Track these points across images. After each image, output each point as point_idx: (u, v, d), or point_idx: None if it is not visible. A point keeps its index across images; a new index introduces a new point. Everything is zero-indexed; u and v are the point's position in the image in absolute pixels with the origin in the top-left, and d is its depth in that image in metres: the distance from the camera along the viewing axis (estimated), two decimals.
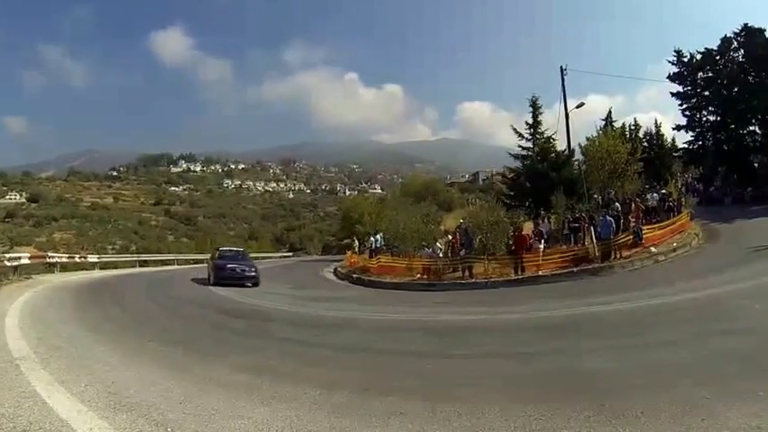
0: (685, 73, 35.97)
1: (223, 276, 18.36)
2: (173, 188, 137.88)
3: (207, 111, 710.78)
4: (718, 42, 34.34)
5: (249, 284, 18.27)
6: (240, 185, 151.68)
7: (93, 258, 29.73)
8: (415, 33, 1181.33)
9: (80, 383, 4.89)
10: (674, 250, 17.67)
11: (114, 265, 30.71)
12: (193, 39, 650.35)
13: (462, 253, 19.80)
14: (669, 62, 36.47)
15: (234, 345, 7.65)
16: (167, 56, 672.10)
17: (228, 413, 4.14)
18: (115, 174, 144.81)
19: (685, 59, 35.88)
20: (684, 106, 36.10)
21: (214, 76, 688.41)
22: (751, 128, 33.20)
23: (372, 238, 27.79)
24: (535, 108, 29.92)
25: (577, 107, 28.90)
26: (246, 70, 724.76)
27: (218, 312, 11.74)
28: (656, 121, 38.85)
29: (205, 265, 23.33)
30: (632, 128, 36.30)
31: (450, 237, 22.26)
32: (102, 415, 4.00)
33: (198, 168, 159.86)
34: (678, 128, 36.93)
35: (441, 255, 21.21)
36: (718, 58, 34.65)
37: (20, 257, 20.09)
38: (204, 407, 4.29)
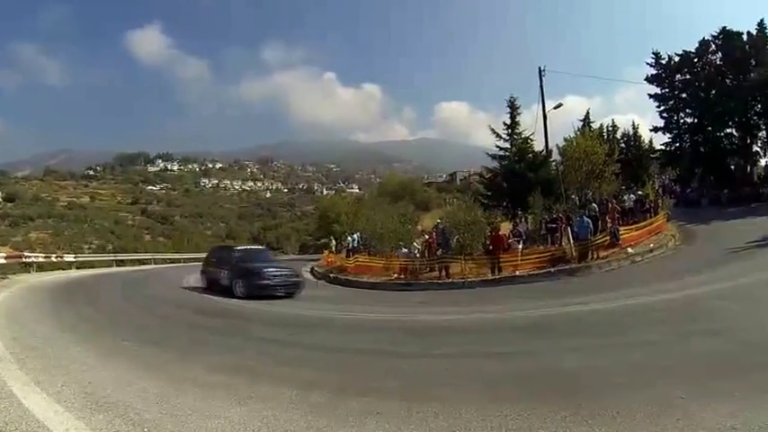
0: (663, 75, 36.19)
1: (261, 285, 14.12)
2: (149, 187, 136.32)
3: (185, 110, 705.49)
4: (696, 45, 34.59)
5: (291, 294, 14.72)
6: (217, 185, 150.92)
7: (69, 258, 29.43)
8: (394, 33, 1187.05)
9: (56, 384, 4.88)
10: (651, 251, 17.64)
11: (91, 265, 30.22)
12: (171, 38, 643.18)
13: (439, 253, 19.71)
14: (647, 64, 36.72)
15: (210, 344, 7.63)
16: (145, 55, 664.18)
17: (205, 413, 4.15)
18: (92, 173, 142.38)
19: (663, 62, 36.11)
20: (662, 108, 36.30)
21: (192, 75, 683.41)
22: (728, 130, 33.43)
23: (349, 238, 27.59)
24: (513, 108, 29.77)
25: (555, 108, 29.02)
26: (225, 70, 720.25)
27: (194, 311, 11.58)
28: (633, 122, 39.05)
29: (184, 265, 22.37)
30: (610, 129, 36.46)
31: (427, 236, 22.17)
32: (78, 415, 4.01)
33: (175, 167, 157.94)
34: (656, 129, 37.11)
35: (418, 254, 21.18)
36: (695, 60, 34.92)
37: None
38: (181, 407, 4.29)
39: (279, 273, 14.94)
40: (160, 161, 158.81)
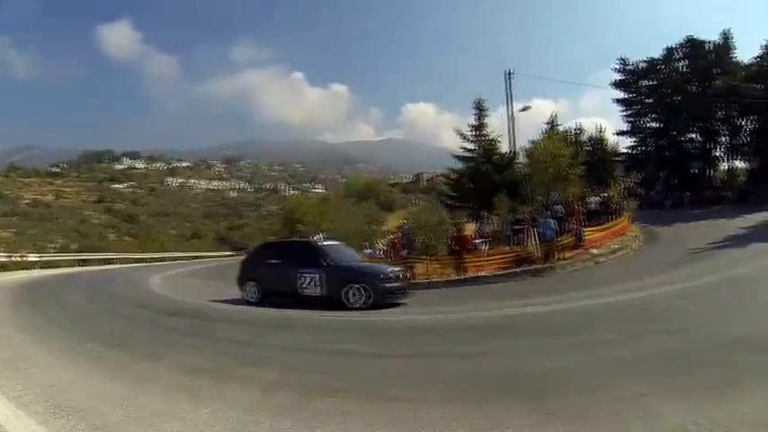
0: (629, 81, 36.74)
1: (389, 290, 11.42)
2: (115, 185, 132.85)
3: (152, 107, 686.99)
4: (663, 52, 35.17)
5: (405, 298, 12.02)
6: (184, 183, 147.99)
7: (33, 257, 28.31)
8: (363, 34, 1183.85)
9: (16, 387, 4.81)
10: (615, 252, 17.73)
11: (55, 265, 29.16)
12: (142, 33, 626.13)
13: (404, 253, 19.44)
14: (613, 70, 37.21)
15: (174, 345, 7.49)
16: (114, 50, 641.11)
17: (170, 415, 4.07)
18: (56, 170, 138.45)
19: (630, 68, 36.63)
20: (627, 113, 36.90)
21: (161, 71, 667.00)
22: (691, 135, 34.18)
23: (314, 238, 26.95)
24: (480, 110, 29.85)
25: (522, 110, 29.59)
26: (194, 67, 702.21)
27: (158, 312, 11.28)
28: (599, 126, 39.41)
29: (149, 265, 21.44)
30: (576, 132, 36.76)
31: (392, 237, 21.85)
32: (40, 420, 3.93)
33: (141, 165, 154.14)
34: (621, 133, 37.63)
35: (382, 255, 20.82)
36: (661, 67, 35.52)
37: None
38: (145, 409, 4.21)
39: (398, 274, 12.11)
40: (126, 159, 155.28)
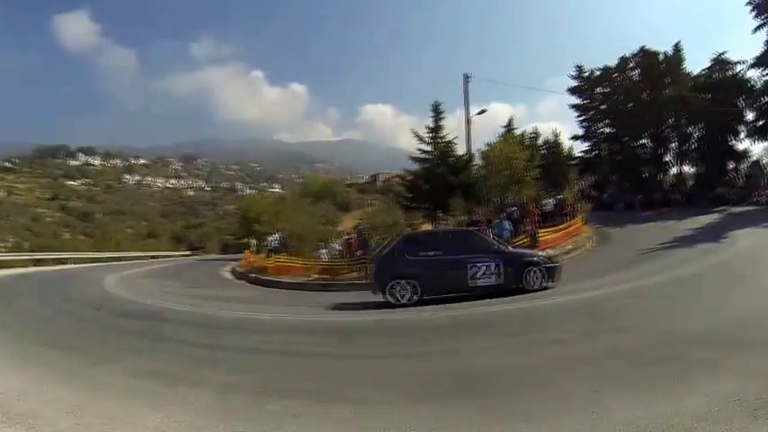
0: (584, 87, 37.44)
1: (557, 269, 11.52)
2: (70, 182, 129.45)
3: (109, 102, 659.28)
4: (617, 61, 36.00)
5: None
6: (141, 181, 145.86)
7: None
8: (323, 33, 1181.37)
9: None
10: (569, 252, 17.91)
11: (7, 265, 28.07)
12: (100, 24, 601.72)
13: (359, 253, 19.66)
14: (569, 76, 37.87)
15: (128, 348, 7.48)
16: (71, 41, 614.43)
17: (122, 420, 4.06)
18: (8, 165, 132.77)
19: (585, 75, 37.37)
20: (582, 118, 37.62)
21: (119, 65, 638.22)
22: (642, 141, 35.06)
23: (269, 238, 26.89)
24: (437, 113, 30.17)
25: (479, 113, 30.04)
26: (152, 62, 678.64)
27: (112, 314, 11.31)
28: (555, 130, 40.18)
29: (105, 265, 20.71)
30: (532, 135, 37.40)
31: (347, 237, 22.02)
32: None
33: (97, 162, 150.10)
34: (575, 138, 38.41)
35: (327, 257, 21.18)
36: (615, 75, 36.34)
37: None
38: (97, 415, 4.17)
39: (550, 257, 12.20)
40: (82, 155, 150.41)
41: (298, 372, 5.80)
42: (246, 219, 42.62)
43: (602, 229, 22.25)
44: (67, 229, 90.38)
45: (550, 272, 11.23)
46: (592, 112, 37.38)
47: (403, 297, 10.94)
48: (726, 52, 32.03)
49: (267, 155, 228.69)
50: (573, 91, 37.80)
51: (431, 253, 11.37)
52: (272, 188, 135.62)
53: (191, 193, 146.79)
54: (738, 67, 30.70)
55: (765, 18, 28.01)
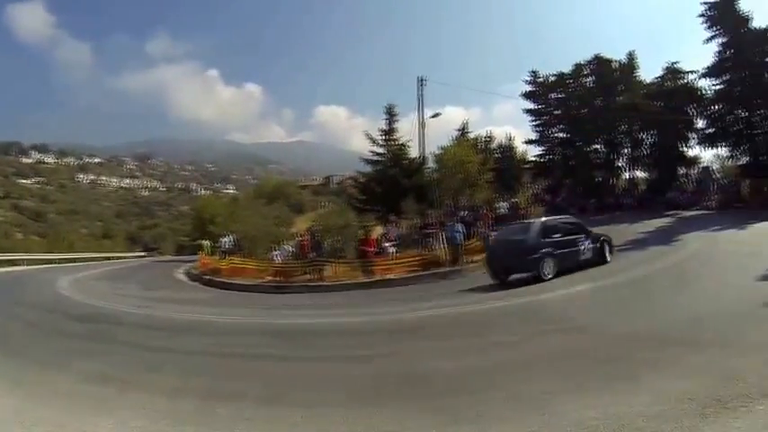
0: (539, 92, 37.70)
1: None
2: (22, 181, 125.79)
3: (63, 98, 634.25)
4: (572, 67, 36.42)
5: None
6: (95, 181, 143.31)
7: None
8: (278, 35, 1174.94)
9: None
10: None
11: None
12: (55, 16, 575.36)
13: (312, 255, 19.54)
14: (524, 81, 38.01)
15: (79, 352, 7.39)
16: (24, 33, 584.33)
17: (70, 427, 3.99)
18: None
19: (540, 80, 37.69)
20: (536, 122, 37.79)
21: (74, 60, 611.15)
22: (595, 146, 35.47)
23: (223, 239, 26.45)
24: (391, 115, 30.17)
25: (433, 117, 30.29)
26: (107, 57, 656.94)
27: (63, 317, 11.20)
28: (509, 134, 40.27)
29: (59, 266, 19.77)
30: (486, 139, 37.43)
31: (300, 239, 22.18)
32: None
33: (51, 160, 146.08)
34: (530, 142, 38.47)
35: (280, 258, 20.95)
36: (569, 81, 36.75)
37: None
38: (43, 422, 4.10)
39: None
40: (35, 152, 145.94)
41: (247, 374, 5.86)
42: (201, 220, 42.11)
43: None
44: (19, 229, 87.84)
45: (611, 246, 14.12)
46: (546, 117, 37.62)
47: (550, 272, 12.27)
48: (678, 62, 32.77)
49: (221, 155, 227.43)
50: (528, 96, 37.99)
51: (558, 236, 13.14)
52: (227, 189, 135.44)
53: (145, 193, 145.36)
54: (690, 77, 31.31)
55: (716, 30, 28.69)
